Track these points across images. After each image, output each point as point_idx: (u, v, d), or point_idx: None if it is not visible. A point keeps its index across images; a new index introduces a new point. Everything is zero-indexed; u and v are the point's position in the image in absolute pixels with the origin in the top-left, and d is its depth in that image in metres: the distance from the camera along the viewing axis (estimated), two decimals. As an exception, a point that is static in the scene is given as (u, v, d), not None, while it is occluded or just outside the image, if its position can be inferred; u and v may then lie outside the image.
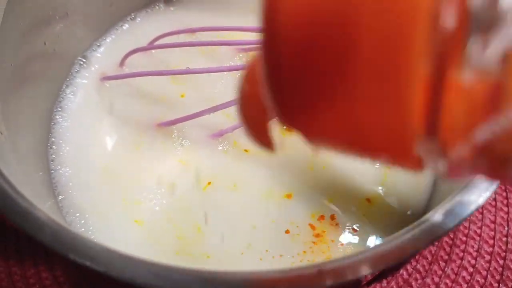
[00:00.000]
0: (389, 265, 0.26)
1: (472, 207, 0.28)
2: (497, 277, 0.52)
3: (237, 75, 0.53)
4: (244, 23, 0.54)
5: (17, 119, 0.44)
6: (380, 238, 0.46)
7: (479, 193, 0.28)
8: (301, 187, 0.48)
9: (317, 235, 0.46)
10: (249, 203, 0.47)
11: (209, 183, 0.48)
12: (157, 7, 0.59)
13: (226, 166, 0.49)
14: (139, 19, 0.58)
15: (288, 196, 0.48)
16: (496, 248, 0.53)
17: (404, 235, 0.27)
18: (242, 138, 0.50)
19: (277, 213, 0.47)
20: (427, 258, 0.53)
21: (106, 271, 0.26)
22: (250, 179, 0.48)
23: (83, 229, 0.45)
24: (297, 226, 0.46)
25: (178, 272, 0.26)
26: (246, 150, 0.50)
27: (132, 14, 0.58)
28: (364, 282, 0.49)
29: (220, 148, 0.50)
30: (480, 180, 0.28)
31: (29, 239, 0.51)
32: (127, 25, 0.57)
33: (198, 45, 0.53)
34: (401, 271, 0.52)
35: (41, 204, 0.41)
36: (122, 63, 0.54)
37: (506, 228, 0.54)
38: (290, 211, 0.47)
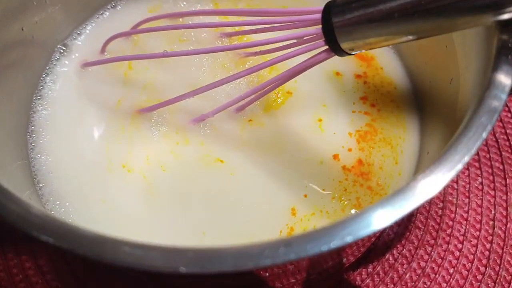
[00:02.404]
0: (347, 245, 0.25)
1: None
2: (484, 261, 0.51)
3: (218, 60, 0.53)
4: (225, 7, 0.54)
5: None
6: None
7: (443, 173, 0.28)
8: (283, 170, 0.48)
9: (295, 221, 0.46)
10: (234, 187, 0.47)
11: (193, 168, 0.48)
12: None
13: (208, 150, 0.49)
14: (119, 7, 0.57)
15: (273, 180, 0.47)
16: (483, 232, 0.53)
17: (368, 212, 0.26)
18: (223, 122, 0.50)
19: (264, 197, 0.47)
20: (413, 243, 0.52)
21: (70, 248, 0.25)
22: (231, 164, 0.48)
23: (63, 218, 0.45)
24: (278, 208, 0.46)
25: (143, 248, 0.25)
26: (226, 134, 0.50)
27: (113, 2, 0.57)
28: (347, 265, 0.49)
29: (202, 132, 0.49)
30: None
31: (11, 228, 0.51)
32: (107, 13, 0.57)
33: (179, 28, 0.52)
34: (387, 256, 0.51)
35: (20, 193, 0.41)
36: (103, 49, 0.53)
37: (493, 212, 0.54)
38: (275, 195, 0.47)
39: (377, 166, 0.49)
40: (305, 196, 0.47)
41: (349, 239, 0.26)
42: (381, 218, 0.27)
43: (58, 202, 0.45)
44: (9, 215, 0.27)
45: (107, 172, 0.47)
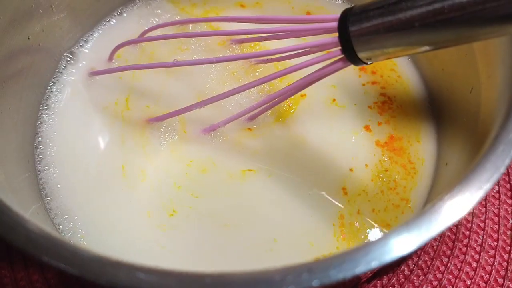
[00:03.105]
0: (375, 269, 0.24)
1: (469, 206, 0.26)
2: (502, 273, 0.50)
3: (227, 67, 0.52)
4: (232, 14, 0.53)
5: (1, 119, 0.43)
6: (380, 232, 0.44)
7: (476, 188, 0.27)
8: (304, 188, 0.47)
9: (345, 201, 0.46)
10: (278, 187, 0.46)
11: (203, 170, 0.47)
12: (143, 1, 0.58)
13: (219, 161, 0.47)
14: (125, 14, 0.56)
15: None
16: (501, 242, 0.52)
17: (393, 236, 0.25)
18: (234, 132, 0.48)
19: (315, 183, 0.47)
20: (429, 254, 0.51)
21: (81, 274, 0.24)
22: (263, 169, 0.47)
23: (72, 232, 0.44)
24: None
25: (159, 274, 0.24)
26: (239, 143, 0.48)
27: (119, 9, 0.56)
28: (364, 280, 0.48)
29: (213, 143, 0.48)
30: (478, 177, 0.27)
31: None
32: (114, 20, 0.55)
33: (188, 36, 0.51)
34: (402, 267, 0.50)
35: (26, 207, 0.40)
36: (110, 57, 0.52)
37: (510, 221, 0.53)
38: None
39: (405, 140, 0.49)
40: (351, 170, 0.47)
41: (374, 264, 0.24)
42: (407, 242, 0.25)
43: (66, 216, 0.44)
44: (18, 240, 0.26)
45: (115, 184, 0.46)
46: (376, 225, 0.45)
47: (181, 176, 0.46)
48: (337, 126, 0.50)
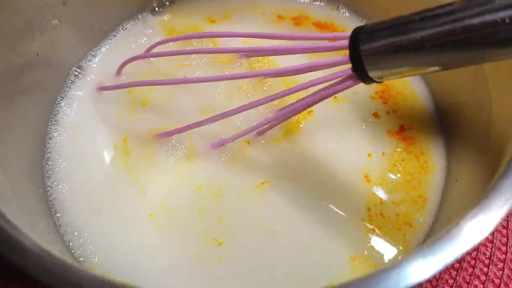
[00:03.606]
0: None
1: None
2: (511, 286, 0.50)
3: (235, 82, 0.51)
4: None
5: (9, 135, 0.43)
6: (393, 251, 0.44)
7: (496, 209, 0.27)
8: (315, 205, 0.46)
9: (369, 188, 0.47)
10: (304, 188, 0.47)
11: (217, 196, 0.46)
12: (145, 15, 0.58)
13: (230, 178, 0.47)
14: (129, 29, 0.56)
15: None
16: (509, 255, 0.51)
17: (408, 263, 0.25)
18: (243, 147, 0.48)
19: (336, 174, 0.48)
20: (438, 267, 0.51)
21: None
22: (279, 179, 0.47)
23: (82, 249, 0.44)
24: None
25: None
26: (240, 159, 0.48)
27: (124, 25, 0.56)
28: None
29: (222, 159, 0.48)
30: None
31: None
32: (119, 35, 0.56)
33: (196, 53, 0.51)
34: (411, 281, 0.50)
35: (36, 224, 0.39)
36: (118, 72, 0.52)
37: (519, 234, 0.52)
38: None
39: (415, 130, 0.50)
40: (369, 155, 0.48)
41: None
42: (422, 269, 0.25)
43: (76, 233, 0.44)
44: (28, 266, 0.25)
45: (125, 201, 0.46)
46: (398, 221, 0.46)
47: (197, 198, 0.46)
48: (345, 119, 0.51)
